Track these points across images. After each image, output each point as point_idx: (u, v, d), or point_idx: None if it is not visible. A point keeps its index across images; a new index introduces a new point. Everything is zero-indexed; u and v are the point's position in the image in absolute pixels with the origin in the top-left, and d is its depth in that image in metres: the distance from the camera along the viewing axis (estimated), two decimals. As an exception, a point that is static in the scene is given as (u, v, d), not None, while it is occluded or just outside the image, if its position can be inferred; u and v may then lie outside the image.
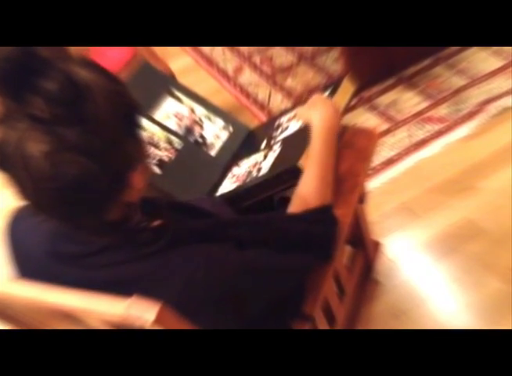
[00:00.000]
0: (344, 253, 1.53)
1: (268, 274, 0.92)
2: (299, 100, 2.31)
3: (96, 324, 0.81)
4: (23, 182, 0.74)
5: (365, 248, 1.60)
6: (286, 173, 1.14)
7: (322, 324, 1.23)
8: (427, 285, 1.65)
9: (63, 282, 0.81)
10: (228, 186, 1.27)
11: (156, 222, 0.87)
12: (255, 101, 2.41)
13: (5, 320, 0.97)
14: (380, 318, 1.59)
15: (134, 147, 0.80)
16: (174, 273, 0.82)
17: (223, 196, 1.24)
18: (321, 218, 1.05)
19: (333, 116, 1.14)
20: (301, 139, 1.19)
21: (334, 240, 1.05)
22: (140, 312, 0.68)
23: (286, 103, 2.34)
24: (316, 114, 1.13)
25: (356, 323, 1.56)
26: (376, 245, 1.71)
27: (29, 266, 0.92)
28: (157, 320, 0.67)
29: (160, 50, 2.17)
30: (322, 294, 1.15)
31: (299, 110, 1.23)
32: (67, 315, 0.81)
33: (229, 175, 1.31)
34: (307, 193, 1.08)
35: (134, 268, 0.82)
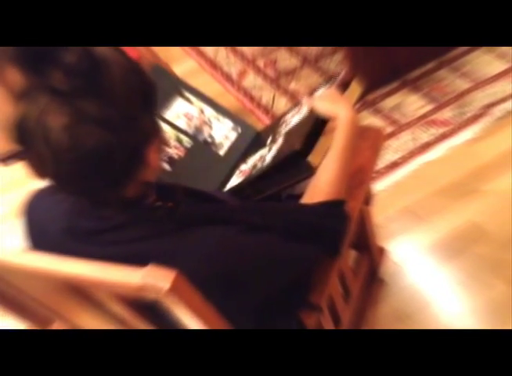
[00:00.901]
0: (350, 255, 1.53)
1: (276, 258, 0.93)
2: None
3: (105, 299, 0.81)
4: (43, 155, 0.76)
5: (370, 251, 1.60)
6: (287, 158, 1.14)
7: (328, 324, 1.23)
8: (431, 288, 1.65)
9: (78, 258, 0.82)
10: (235, 181, 1.28)
11: (170, 204, 0.89)
12: (259, 104, 2.41)
13: (4, 305, 0.98)
14: (385, 321, 1.59)
15: (150, 123, 0.83)
16: (185, 253, 0.84)
17: (230, 190, 1.26)
18: (332, 211, 1.05)
19: (356, 114, 1.15)
20: (301, 127, 1.20)
21: (343, 234, 1.06)
22: (156, 281, 0.68)
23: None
24: (343, 110, 1.12)
25: (361, 325, 1.56)
26: (381, 249, 1.71)
27: (44, 244, 0.93)
28: (172, 288, 0.67)
29: (163, 54, 2.17)
30: (328, 288, 1.15)
31: (316, 102, 1.21)
32: (77, 289, 0.81)
33: (237, 172, 1.32)
34: (323, 185, 1.08)
35: (147, 245, 0.84)
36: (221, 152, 1.35)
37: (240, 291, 0.87)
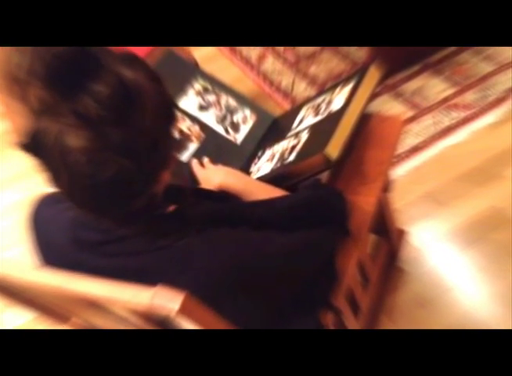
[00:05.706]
0: (368, 242, 1.53)
1: (291, 250, 0.92)
2: (323, 88, 2.30)
3: (121, 312, 0.82)
4: (59, 172, 0.75)
5: (389, 237, 1.60)
6: (317, 163, 1.14)
7: (347, 313, 1.23)
8: (452, 274, 1.64)
9: (85, 269, 0.82)
10: (254, 173, 1.27)
11: (172, 207, 0.87)
12: (278, 89, 2.40)
13: (25, 304, 0.99)
14: (405, 307, 1.59)
15: (170, 148, 0.81)
16: (193, 262, 0.82)
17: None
18: (327, 193, 1.08)
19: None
20: (332, 124, 1.18)
21: (345, 211, 1.07)
22: (165, 302, 0.68)
23: (310, 91, 2.33)
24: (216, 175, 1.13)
25: (380, 311, 1.56)
26: (401, 234, 1.70)
27: (51, 253, 0.93)
28: (182, 309, 0.67)
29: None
30: (346, 282, 1.15)
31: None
32: (92, 303, 0.82)
33: (255, 161, 1.31)
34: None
35: (154, 257, 0.83)
36: (238, 140, 1.33)
37: (256, 294, 0.86)
